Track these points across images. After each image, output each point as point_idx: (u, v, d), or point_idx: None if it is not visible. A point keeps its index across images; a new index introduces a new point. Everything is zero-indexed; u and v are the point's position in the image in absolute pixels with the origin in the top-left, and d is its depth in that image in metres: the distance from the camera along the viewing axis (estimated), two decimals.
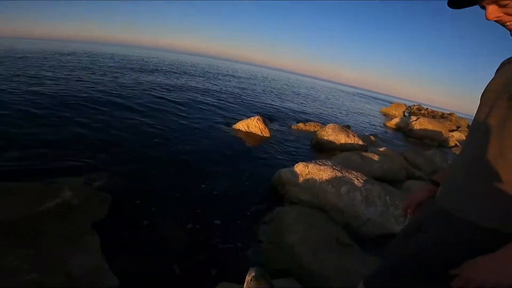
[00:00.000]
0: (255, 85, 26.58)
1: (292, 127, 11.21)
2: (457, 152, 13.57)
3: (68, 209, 3.13)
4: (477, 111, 1.37)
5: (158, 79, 17.08)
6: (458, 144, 15.65)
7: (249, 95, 17.69)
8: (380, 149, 8.36)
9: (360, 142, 9.21)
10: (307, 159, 6.27)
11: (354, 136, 9.46)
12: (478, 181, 1.24)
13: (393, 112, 28.15)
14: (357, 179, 4.93)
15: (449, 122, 23.18)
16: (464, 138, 18.08)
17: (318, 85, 59.36)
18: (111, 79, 14.12)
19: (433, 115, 28.64)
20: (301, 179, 4.99)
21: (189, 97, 13.07)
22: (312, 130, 11.10)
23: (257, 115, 9.75)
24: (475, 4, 1.21)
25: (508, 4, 1.11)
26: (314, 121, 12.50)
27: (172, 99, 11.73)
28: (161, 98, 11.48)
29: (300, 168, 5.16)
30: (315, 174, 5.00)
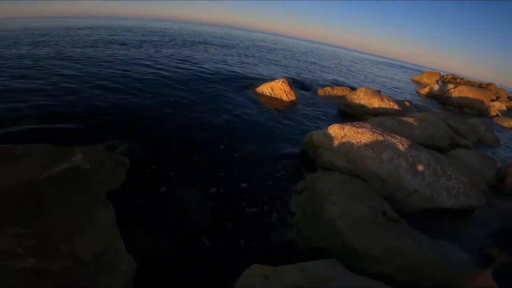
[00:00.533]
0: (276, 51, 25.23)
1: (318, 91, 10.33)
2: (499, 122, 12.36)
3: (78, 175, 2.45)
4: None
5: (181, 51, 16.30)
6: (499, 114, 14.30)
7: (270, 61, 16.64)
8: (419, 114, 7.47)
9: (396, 107, 8.30)
10: (336, 122, 5.57)
11: (389, 101, 8.54)
12: None
13: (426, 80, 26.42)
14: (401, 144, 4.20)
15: (489, 92, 21.27)
16: (505, 108, 16.60)
17: (343, 53, 56.22)
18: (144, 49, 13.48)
19: (470, 84, 26.46)
20: (335, 142, 4.31)
21: (211, 62, 12.33)
22: (341, 94, 10.19)
23: (282, 78, 8.94)
24: None
25: None
26: (342, 85, 11.52)
27: (197, 67, 11.08)
28: (184, 66, 10.80)
29: (334, 130, 4.47)
30: (352, 137, 4.30)
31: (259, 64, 14.01)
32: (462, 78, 32.19)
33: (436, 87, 17.14)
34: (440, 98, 15.44)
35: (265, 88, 8.50)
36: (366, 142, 4.19)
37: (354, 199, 3.05)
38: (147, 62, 9.48)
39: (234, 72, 10.29)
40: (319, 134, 4.55)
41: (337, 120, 7.56)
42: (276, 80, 8.63)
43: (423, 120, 6.44)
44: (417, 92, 17.84)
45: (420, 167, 3.92)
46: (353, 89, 10.76)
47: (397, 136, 4.46)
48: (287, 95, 8.27)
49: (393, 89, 17.22)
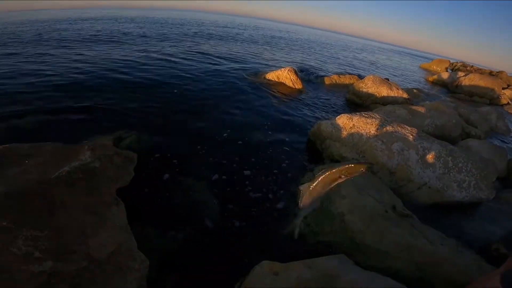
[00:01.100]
0: (282, 39, 24.77)
1: (325, 79, 10.14)
2: (510, 111, 12.09)
3: (88, 174, 2.42)
4: None
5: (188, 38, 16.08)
6: (510, 102, 13.98)
7: (276, 49, 16.34)
8: (429, 103, 7.29)
9: (405, 95, 8.12)
10: (343, 112, 5.45)
11: (398, 89, 8.36)
12: None
13: (435, 68, 25.87)
14: (411, 135, 4.09)
15: (500, 80, 20.75)
16: None
17: (349, 41, 55.09)
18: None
19: (480, 72, 25.81)
20: (344, 133, 4.22)
21: (221, 49, 12.16)
22: (348, 82, 10.01)
23: (288, 66, 8.76)
24: None
25: None
26: (349, 74, 11.29)
27: (205, 51, 10.94)
28: (194, 51, 10.65)
29: (343, 120, 4.37)
30: (361, 127, 4.20)
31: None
32: (472, 66, 31.40)
33: (445, 75, 16.75)
34: (449, 86, 15.13)
35: (271, 76, 8.36)
36: (376, 133, 4.09)
37: (363, 193, 2.99)
38: (154, 54, 9.35)
39: (239, 61, 10.11)
40: (327, 125, 4.46)
41: (344, 109, 7.45)
42: (282, 69, 8.49)
43: (433, 109, 6.29)
44: (426, 80, 17.48)
45: (430, 159, 3.83)
46: (360, 77, 10.54)
47: (407, 126, 4.35)
48: (293, 83, 8.13)
49: (402, 76, 16.90)
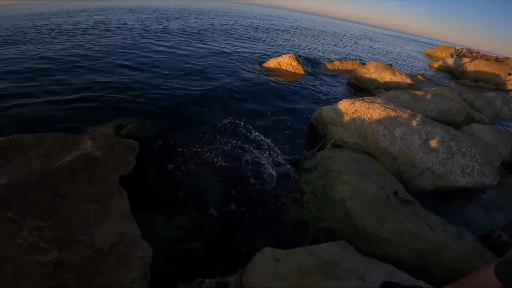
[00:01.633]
0: (281, 24, 24.37)
1: (327, 65, 9.97)
2: None
3: (90, 163, 2.40)
4: None
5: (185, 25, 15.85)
6: None
7: (275, 36, 16.05)
8: (433, 89, 7.15)
9: (408, 81, 7.98)
10: (345, 97, 5.35)
11: (401, 74, 8.21)
12: None
13: (439, 54, 25.46)
14: (415, 120, 4.02)
15: (506, 66, 20.41)
16: None
17: (349, 27, 54.15)
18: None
19: (486, 58, 25.39)
20: (346, 118, 4.15)
21: (219, 37, 11.96)
22: (350, 68, 9.84)
23: (289, 53, 8.61)
24: None
25: None
26: (352, 60, 11.09)
27: (203, 39, 10.74)
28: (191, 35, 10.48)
29: (345, 105, 4.29)
30: (363, 112, 4.12)
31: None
32: (478, 52, 30.91)
33: (450, 61, 16.46)
34: (454, 72, 14.89)
35: (272, 64, 8.26)
36: (378, 118, 4.02)
37: (365, 179, 2.94)
38: (155, 41, 9.20)
39: (239, 49, 9.95)
40: (329, 110, 4.38)
41: (346, 95, 7.33)
42: (283, 56, 8.37)
43: (437, 94, 6.17)
44: (430, 66, 17.18)
45: (434, 144, 3.76)
46: (363, 63, 10.36)
47: (410, 111, 4.26)
48: (294, 69, 8.02)
49: (405, 62, 16.62)
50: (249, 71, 7.39)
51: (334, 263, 2.03)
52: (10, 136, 2.52)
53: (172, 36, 10.45)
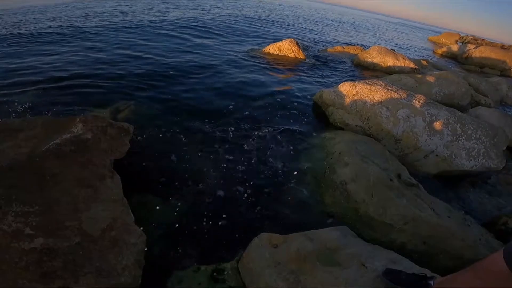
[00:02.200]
0: (283, 12, 23.91)
1: (328, 50, 9.77)
2: None
3: (80, 146, 2.29)
4: None
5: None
6: None
7: (276, 23, 15.73)
8: (437, 72, 6.98)
9: (411, 65, 7.81)
10: (348, 80, 5.22)
11: (404, 59, 8.02)
12: None
13: (444, 40, 25.05)
14: (418, 102, 3.89)
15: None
16: None
17: (351, 14, 53.22)
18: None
19: (491, 45, 24.96)
20: (347, 100, 4.02)
21: (218, 22, 11.72)
22: (352, 52, 9.64)
23: (289, 38, 8.41)
24: None
25: None
26: (354, 45, 10.86)
27: (201, 24, 10.53)
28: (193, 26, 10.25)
29: (346, 88, 4.15)
30: (364, 95, 4.00)
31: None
32: (483, 39, 30.45)
33: (455, 47, 16.15)
34: (459, 58, 14.65)
35: (271, 49, 8.06)
36: (380, 99, 3.89)
37: (367, 161, 2.85)
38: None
39: (239, 35, 9.74)
40: (329, 92, 4.27)
41: (349, 77, 7.18)
42: (283, 41, 8.17)
43: (442, 77, 6.01)
44: (434, 52, 16.86)
45: (438, 126, 3.65)
46: (365, 49, 10.13)
47: (413, 93, 4.13)
48: (295, 54, 7.83)
49: (408, 48, 16.31)
50: (250, 56, 7.21)
51: (334, 249, 1.95)
52: None
53: (172, 23, 10.23)
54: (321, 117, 4.37)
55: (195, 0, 17.36)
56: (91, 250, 1.68)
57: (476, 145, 3.59)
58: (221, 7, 16.62)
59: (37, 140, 2.17)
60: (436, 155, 3.52)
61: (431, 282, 1.54)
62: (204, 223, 2.41)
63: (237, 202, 2.67)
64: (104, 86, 4.44)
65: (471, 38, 30.06)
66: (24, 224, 1.61)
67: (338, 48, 9.92)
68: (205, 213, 2.50)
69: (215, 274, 1.93)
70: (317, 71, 7.03)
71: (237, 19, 13.14)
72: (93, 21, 9.13)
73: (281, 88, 5.40)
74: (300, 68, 7.00)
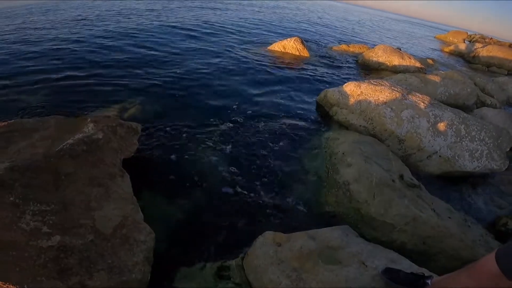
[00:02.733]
0: (287, 9, 23.82)
1: (333, 48, 9.75)
2: None
3: (92, 146, 2.34)
4: None
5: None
6: None
7: (281, 21, 15.70)
8: (443, 72, 6.96)
9: (417, 64, 7.79)
10: (353, 80, 5.24)
11: (410, 58, 8.01)
12: None
13: (451, 39, 24.94)
14: (423, 103, 3.92)
15: None
16: None
17: (357, 11, 52.77)
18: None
19: (499, 44, 24.67)
20: (351, 100, 4.06)
21: (223, 19, 11.76)
22: (357, 51, 9.62)
23: (294, 37, 8.43)
24: None
25: None
26: (359, 44, 10.82)
27: (209, 21, 10.56)
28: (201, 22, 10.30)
29: (350, 88, 4.19)
30: (369, 95, 4.03)
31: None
32: (491, 38, 30.09)
33: (462, 46, 16.03)
34: (466, 57, 14.55)
35: (276, 47, 8.11)
36: (385, 100, 3.93)
37: (370, 161, 2.90)
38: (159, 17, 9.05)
39: (243, 33, 9.76)
40: (334, 92, 4.31)
41: (354, 76, 7.23)
42: (288, 39, 8.22)
43: (447, 77, 6.00)
44: (441, 50, 16.71)
45: (442, 127, 3.68)
46: (370, 47, 10.10)
47: (418, 94, 4.16)
48: (299, 53, 7.86)
49: (415, 46, 16.18)
50: (254, 55, 7.25)
51: (336, 248, 2.02)
52: (13, 120, 2.51)
53: (180, 19, 10.29)
54: (324, 116, 4.42)
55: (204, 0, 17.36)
56: (103, 247, 1.75)
57: (479, 147, 3.61)
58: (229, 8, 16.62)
59: (51, 140, 2.25)
60: (440, 156, 3.55)
61: (428, 281, 1.60)
62: (210, 221, 2.48)
63: (242, 201, 2.74)
64: (111, 84, 4.54)
65: (479, 37, 29.77)
66: (41, 222, 1.68)
67: (343, 46, 9.91)
68: (210, 211, 2.58)
69: (220, 271, 2.00)
70: (321, 70, 7.06)
71: (244, 18, 13.16)
72: (105, 20, 9.22)
73: (285, 87, 5.46)
74: (305, 66, 7.04)
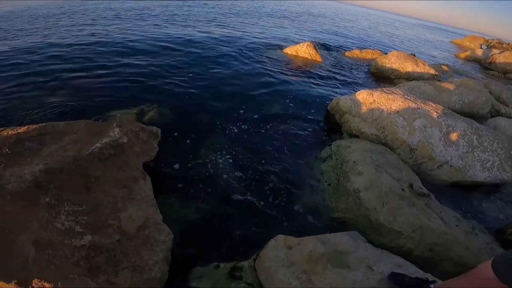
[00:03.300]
0: (302, 13, 23.88)
1: (346, 53, 9.78)
2: None
3: (118, 150, 2.49)
4: None
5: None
6: None
7: (295, 24, 15.78)
8: (457, 80, 6.91)
9: (432, 71, 7.74)
10: (365, 87, 5.28)
11: (424, 65, 7.96)
12: None
13: (467, 44, 24.55)
14: (436, 112, 3.95)
15: None
16: None
17: (371, 14, 52.29)
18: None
19: None
20: (364, 108, 4.12)
21: (237, 23, 11.94)
22: (370, 57, 9.61)
23: (307, 41, 8.50)
24: None
25: None
26: (372, 49, 10.81)
27: (224, 26, 10.72)
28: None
29: (363, 96, 4.25)
30: (381, 103, 4.08)
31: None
32: (509, 43, 29.43)
33: (479, 51, 15.78)
34: (482, 63, 14.35)
35: (289, 51, 8.21)
36: (397, 109, 3.97)
37: (381, 170, 2.97)
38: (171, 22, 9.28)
39: (257, 37, 9.89)
40: (346, 100, 4.37)
41: (367, 83, 7.26)
42: (301, 44, 8.31)
43: (462, 85, 5.97)
44: (457, 56, 16.48)
45: (454, 137, 3.70)
46: (384, 52, 10.08)
47: (431, 103, 4.20)
48: (312, 57, 7.94)
49: (430, 52, 16.01)
50: (267, 59, 7.35)
51: (345, 252, 2.11)
52: (44, 123, 2.68)
53: (196, 22, 10.52)
54: (335, 123, 4.49)
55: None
56: (128, 247, 1.88)
57: (491, 157, 3.63)
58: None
59: (80, 144, 2.42)
60: (451, 166, 3.58)
61: (432, 286, 1.68)
62: (222, 224, 2.61)
63: (254, 205, 2.86)
64: (130, 88, 4.73)
65: (496, 42, 29.16)
66: (74, 222, 1.84)
67: (356, 52, 9.92)
68: (222, 214, 2.71)
69: (233, 271, 2.11)
70: (333, 76, 7.12)
71: (257, 17, 13.32)
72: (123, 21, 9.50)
73: (297, 92, 5.56)
74: (317, 72, 7.10)
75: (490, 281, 1.29)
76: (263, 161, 3.45)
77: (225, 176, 3.14)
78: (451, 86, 5.84)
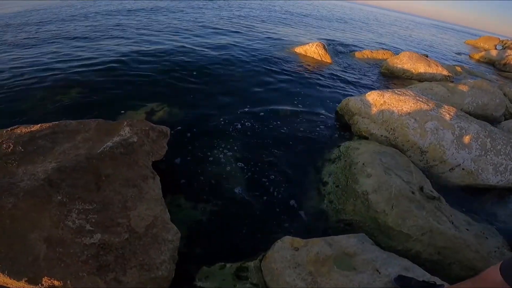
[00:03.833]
0: (310, 14, 23.74)
1: (356, 54, 9.67)
2: None
3: (128, 148, 2.51)
4: None
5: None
6: None
7: (305, 24, 15.70)
8: (471, 81, 6.77)
9: (444, 72, 7.60)
10: (375, 88, 5.21)
11: (437, 66, 7.82)
12: None
13: (482, 44, 24.01)
14: (448, 114, 3.88)
15: None
16: None
17: (383, 14, 51.67)
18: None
19: None
20: (374, 110, 4.08)
21: (245, 22, 11.96)
22: (381, 58, 9.50)
23: (317, 41, 8.45)
24: None
25: None
26: (383, 49, 10.68)
27: (231, 23, 10.75)
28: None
29: (373, 97, 4.21)
30: (392, 105, 4.03)
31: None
32: None
33: (493, 52, 15.39)
34: (497, 64, 13.98)
35: (298, 51, 8.19)
36: (408, 110, 3.92)
37: (390, 173, 2.93)
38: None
39: (266, 36, 9.89)
40: (356, 100, 4.33)
41: (377, 84, 7.17)
42: (310, 43, 8.26)
43: (475, 87, 5.84)
44: (471, 57, 16.13)
45: (467, 140, 3.63)
46: (396, 53, 9.95)
47: (444, 105, 4.13)
48: (321, 58, 7.89)
49: (443, 52, 15.72)
50: (276, 59, 7.33)
51: (352, 254, 2.09)
52: (57, 122, 2.72)
53: (208, 23, 10.58)
54: (344, 124, 4.46)
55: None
56: (136, 245, 1.90)
57: (504, 161, 3.55)
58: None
59: (91, 142, 2.46)
60: (463, 169, 3.52)
61: None
62: (228, 224, 2.63)
63: (262, 206, 2.87)
64: (140, 87, 4.79)
65: (511, 43, 28.50)
66: (85, 220, 1.87)
67: (367, 52, 9.81)
68: (229, 215, 2.72)
69: (239, 271, 2.11)
70: (343, 76, 7.06)
71: (267, 19, 13.32)
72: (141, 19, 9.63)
73: (306, 92, 5.55)
74: (326, 72, 7.06)
75: (497, 283, 1.27)
76: (272, 162, 3.44)
77: (233, 176, 3.15)
78: (464, 88, 5.73)
